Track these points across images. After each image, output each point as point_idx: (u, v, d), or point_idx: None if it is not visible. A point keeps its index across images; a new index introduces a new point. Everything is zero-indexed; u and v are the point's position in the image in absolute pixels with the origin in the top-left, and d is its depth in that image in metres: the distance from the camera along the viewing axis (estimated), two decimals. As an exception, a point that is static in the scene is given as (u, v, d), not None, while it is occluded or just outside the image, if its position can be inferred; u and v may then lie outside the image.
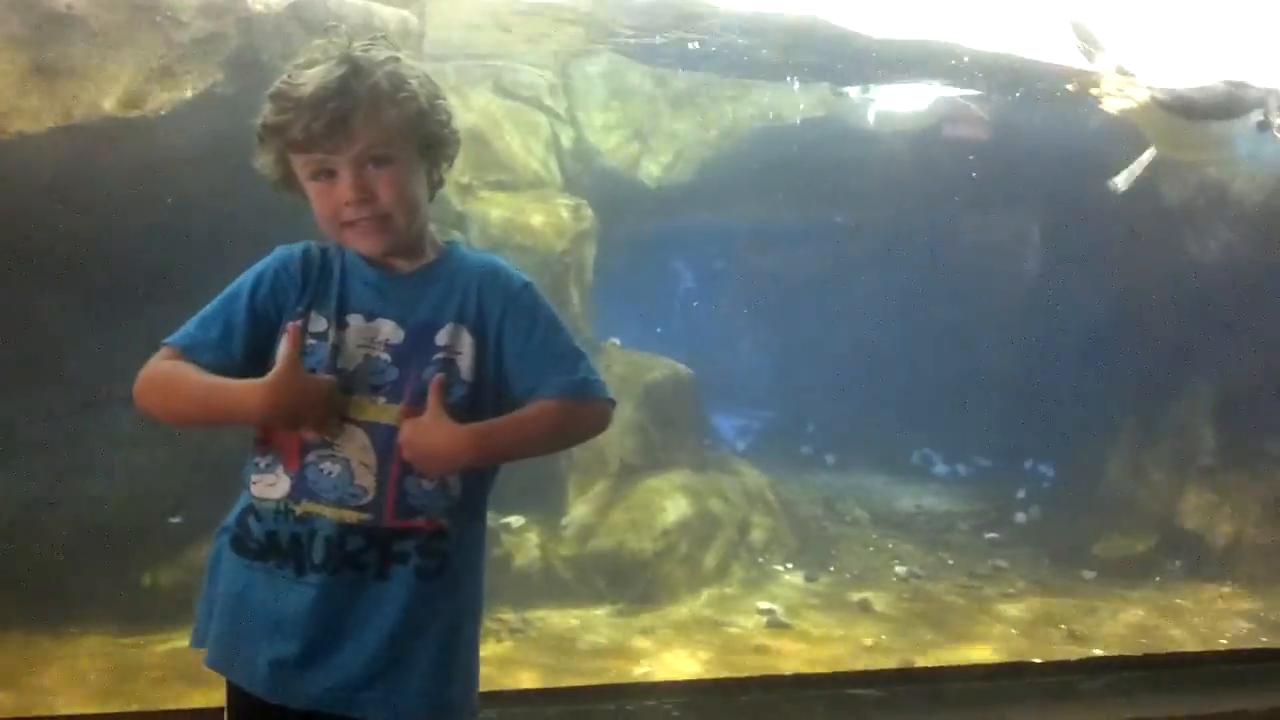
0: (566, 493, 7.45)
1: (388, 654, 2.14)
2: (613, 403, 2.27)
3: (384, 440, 2.12)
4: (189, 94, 5.66)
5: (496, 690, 4.67)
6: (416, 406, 2.12)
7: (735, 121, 9.39)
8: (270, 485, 2.15)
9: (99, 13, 5.56)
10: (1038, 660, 5.21)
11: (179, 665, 5.36)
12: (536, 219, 7.82)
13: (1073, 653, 6.34)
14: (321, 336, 2.15)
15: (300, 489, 2.13)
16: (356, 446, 2.13)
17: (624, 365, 8.13)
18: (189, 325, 2.19)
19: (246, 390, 2.08)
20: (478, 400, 2.18)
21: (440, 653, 2.20)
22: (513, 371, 2.20)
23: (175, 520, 5.99)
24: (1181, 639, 6.90)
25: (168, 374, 2.14)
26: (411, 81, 2.16)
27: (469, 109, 8.34)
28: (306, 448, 2.13)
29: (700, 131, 9.26)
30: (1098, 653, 6.30)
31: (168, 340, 2.19)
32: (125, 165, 5.69)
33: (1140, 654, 5.55)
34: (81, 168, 5.65)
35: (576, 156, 8.89)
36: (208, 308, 2.21)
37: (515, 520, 7.23)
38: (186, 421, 2.21)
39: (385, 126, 2.11)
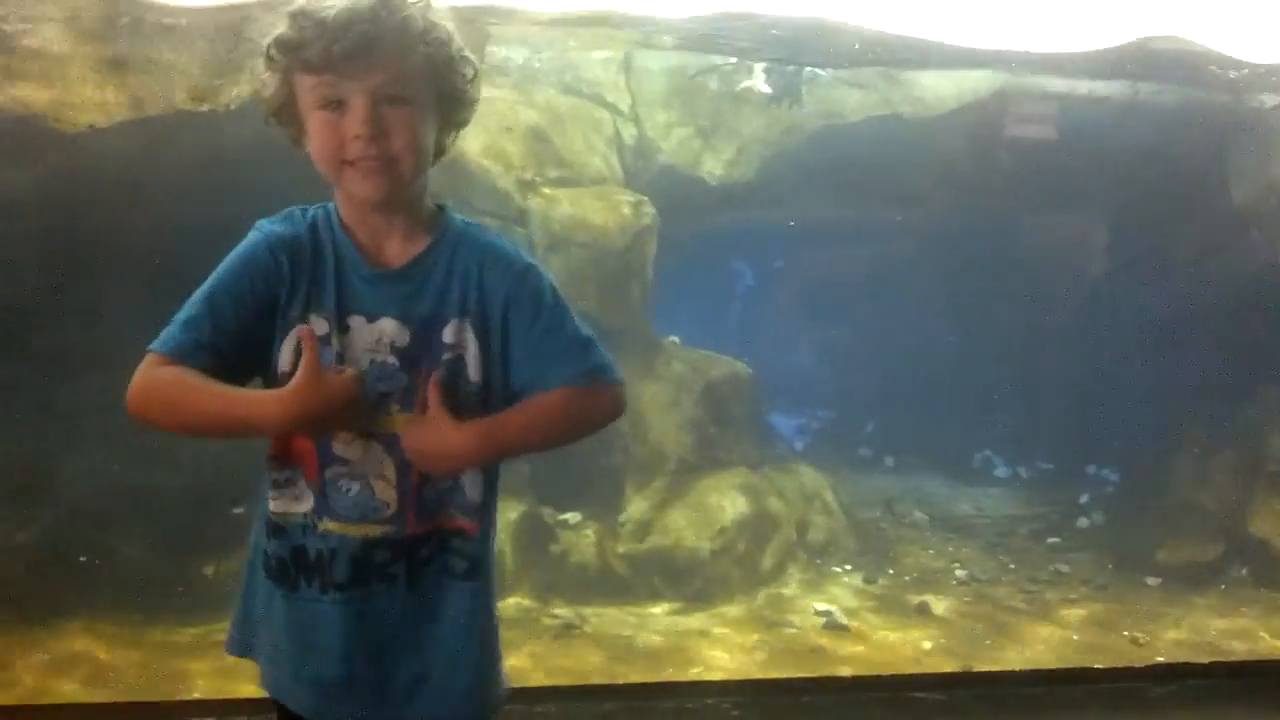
0: (624, 490, 7.45)
1: (431, 659, 2.12)
2: (622, 384, 2.17)
3: (400, 451, 2.06)
4: (258, 88, 5.72)
5: (555, 685, 4.68)
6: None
7: (798, 119, 9.33)
8: (294, 500, 2.09)
9: (169, 7, 5.64)
10: (1100, 666, 5.14)
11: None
12: (598, 215, 7.83)
13: (1136, 659, 6.24)
14: (324, 341, 2.03)
15: (322, 507, 2.07)
16: (374, 460, 2.06)
17: (684, 363, 8.11)
18: (173, 329, 2.03)
19: (267, 401, 1.96)
20: (489, 397, 2.10)
21: (480, 650, 2.18)
22: (517, 360, 2.10)
23: (238, 510, 6.06)
24: (1248, 647, 6.77)
25: (171, 383, 1.98)
26: (443, 26, 2.05)
27: (531, 105, 8.36)
28: (325, 460, 2.05)
29: (763, 129, 9.21)
30: (1161, 660, 6.19)
31: (154, 347, 2.03)
32: (194, 158, 5.76)
33: (1206, 661, 5.45)
34: (151, 161, 5.73)
35: (638, 153, 8.88)
36: (190, 308, 2.05)
37: (572, 516, 7.24)
38: (194, 433, 2.04)
39: (410, 65, 1.99)
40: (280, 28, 1.99)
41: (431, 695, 2.12)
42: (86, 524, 5.95)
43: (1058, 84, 9.45)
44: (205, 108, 5.70)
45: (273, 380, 2.06)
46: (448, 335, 2.06)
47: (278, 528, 2.11)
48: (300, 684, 2.13)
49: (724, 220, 9.81)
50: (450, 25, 2.06)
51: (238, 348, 2.03)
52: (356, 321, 2.05)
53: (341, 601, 2.08)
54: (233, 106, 5.73)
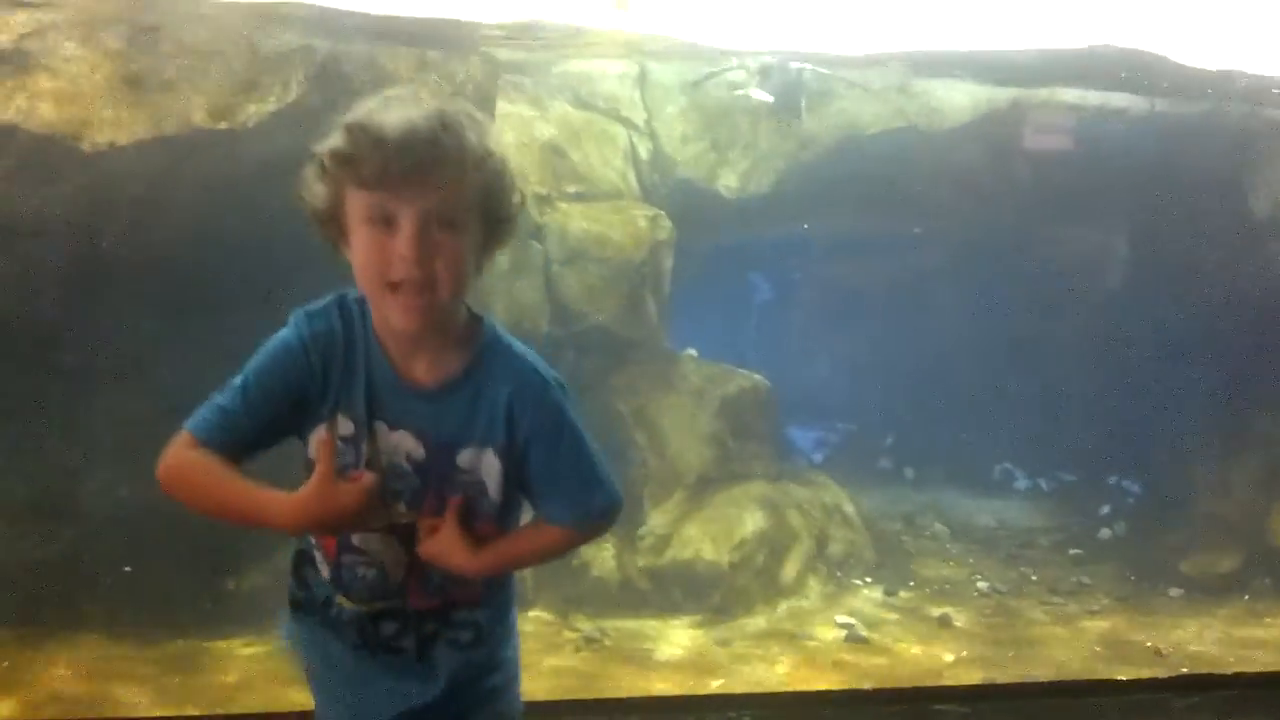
0: (643, 503, 7.45)
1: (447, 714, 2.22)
2: (620, 507, 2.22)
3: (409, 536, 2.14)
4: (275, 106, 5.75)
5: (576, 699, 4.68)
6: (436, 517, 2.13)
7: (814, 132, 9.34)
8: (323, 562, 2.22)
9: (188, 25, 5.67)
10: (1124, 677, 5.11)
11: (263, 668, 5.43)
12: (614, 230, 7.84)
13: (1159, 671, 6.20)
14: (350, 441, 2.08)
15: (337, 582, 2.19)
16: (385, 547, 2.15)
17: (701, 377, 8.11)
18: (209, 414, 2.07)
19: (279, 504, 2.00)
20: (506, 516, 2.19)
21: (496, 700, 2.30)
22: (536, 488, 2.16)
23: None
24: (1271, 658, 6.72)
25: (198, 471, 2.04)
26: (498, 155, 2.03)
27: (547, 120, 8.38)
28: (342, 545, 2.16)
29: (778, 142, 9.21)
30: (1185, 671, 6.15)
31: (189, 426, 2.07)
32: (213, 176, 5.79)
33: (1230, 673, 5.42)
34: (170, 179, 5.76)
35: (654, 167, 8.90)
36: (227, 395, 2.08)
37: (592, 530, 7.23)
38: (215, 519, 2.08)
39: (463, 189, 1.96)
40: (335, 139, 1.97)
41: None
42: (109, 539, 5.97)
43: (1071, 94, 9.43)
44: (223, 125, 5.73)
45: (304, 456, 2.14)
46: (463, 460, 2.10)
47: (305, 582, 2.26)
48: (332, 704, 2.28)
49: (741, 234, 9.81)
50: (501, 147, 2.05)
51: (268, 435, 2.11)
52: (380, 427, 2.09)
53: (359, 659, 2.21)
54: (250, 124, 5.76)
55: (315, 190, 2.02)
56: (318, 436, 2.05)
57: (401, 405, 2.07)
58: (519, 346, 2.17)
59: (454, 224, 1.96)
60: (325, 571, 2.19)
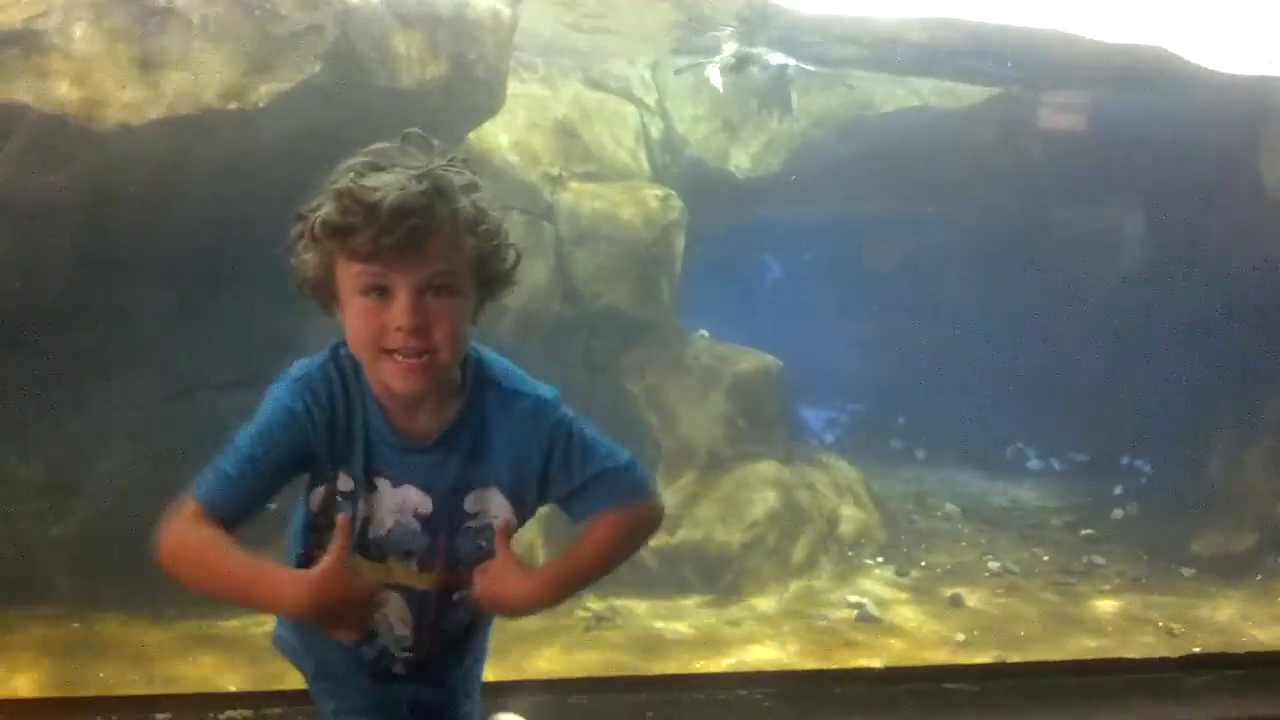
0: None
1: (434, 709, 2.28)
2: (658, 498, 2.22)
3: (418, 602, 2.12)
4: (286, 86, 5.74)
5: (585, 677, 4.69)
6: (454, 574, 2.09)
7: (825, 112, 9.32)
8: None
9: (199, 6, 5.67)
10: (1135, 656, 5.10)
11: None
12: (626, 210, 7.84)
13: (1171, 650, 6.20)
14: (348, 496, 2.04)
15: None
16: (394, 607, 2.12)
17: (712, 357, 8.11)
18: (215, 483, 2.02)
19: (286, 584, 1.94)
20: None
21: (475, 687, 2.36)
22: (567, 505, 2.12)
23: (272, 507, 6.09)
24: (1285, 638, 6.74)
25: (202, 549, 1.98)
26: (492, 215, 1.95)
27: (559, 101, 8.38)
28: None
29: (789, 122, 9.20)
30: (1197, 650, 6.15)
31: (195, 494, 2.01)
32: (224, 157, 5.79)
33: (1243, 652, 5.40)
34: (182, 159, 5.76)
35: (665, 147, 8.89)
36: (232, 462, 2.02)
37: (603, 510, 7.25)
38: (219, 599, 2.02)
39: (457, 256, 1.90)
40: (326, 208, 1.88)
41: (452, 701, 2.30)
42: (120, 519, 6.00)
43: (1084, 73, 9.38)
44: (234, 106, 5.73)
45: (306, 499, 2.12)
46: (470, 504, 2.07)
47: None
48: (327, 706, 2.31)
49: (752, 213, 9.80)
50: (497, 209, 1.98)
51: (272, 493, 2.05)
52: (382, 484, 2.05)
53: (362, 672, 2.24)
54: (261, 104, 5.75)
55: (304, 258, 1.95)
56: (337, 520, 1.95)
57: (402, 461, 2.04)
58: (499, 370, 2.11)
59: (449, 289, 1.91)
60: None
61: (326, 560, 1.89)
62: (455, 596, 2.13)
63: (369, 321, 1.90)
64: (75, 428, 6.10)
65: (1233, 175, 8.96)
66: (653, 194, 8.11)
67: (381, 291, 1.88)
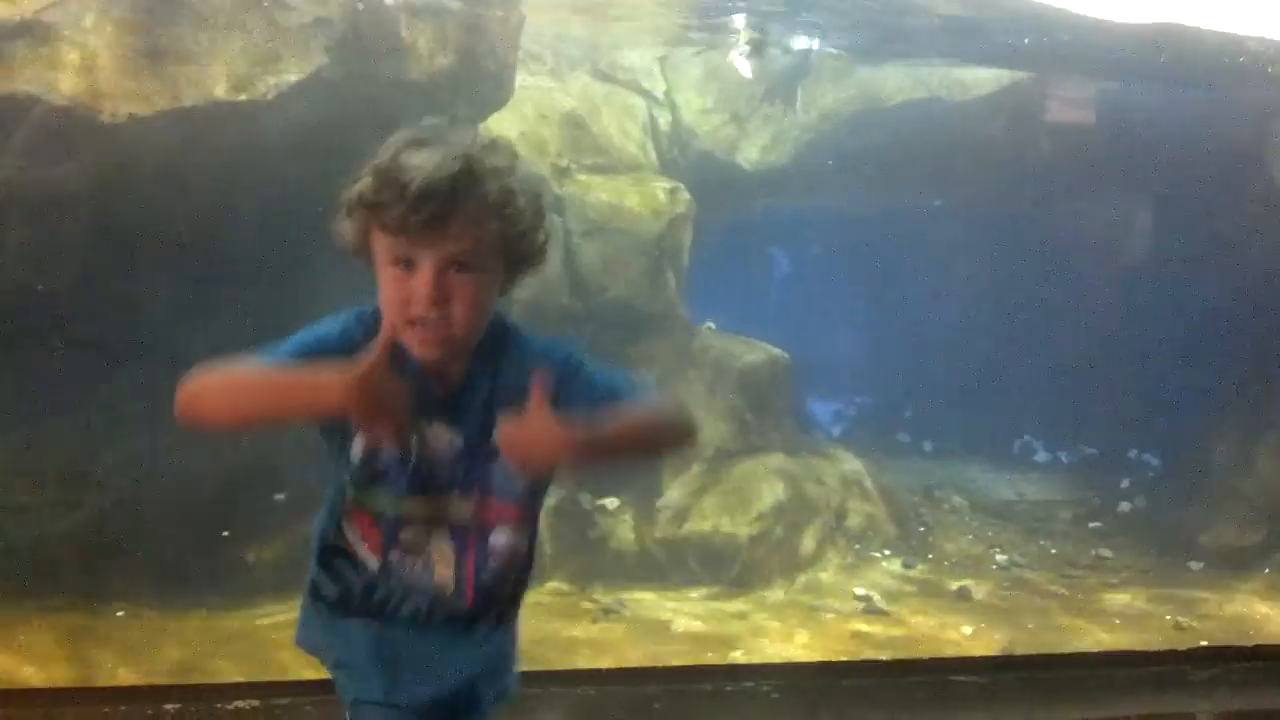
0: (661, 476, 7.45)
1: (464, 680, 2.26)
2: (690, 415, 2.26)
3: (460, 542, 2.18)
4: (295, 78, 5.74)
5: (593, 669, 4.70)
6: (487, 502, 2.17)
7: (834, 104, 9.30)
8: (368, 554, 2.21)
9: (206, -4, 5.67)
10: (1143, 650, 5.10)
11: (284, 638, 5.46)
12: (633, 202, 7.83)
13: (1179, 643, 6.20)
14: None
15: (386, 574, 2.20)
16: (438, 546, 2.18)
17: (719, 349, 8.11)
18: (246, 358, 2.10)
19: (331, 378, 1.98)
20: (538, 486, 2.23)
21: (511, 654, 2.36)
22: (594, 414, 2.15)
23: (279, 497, 6.11)
24: (1293, 632, 6.72)
25: (234, 371, 2.07)
26: (521, 199, 2.09)
27: (567, 93, 8.37)
28: (388, 540, 2.18)
29: (798, 114, 9.18)
30: (1204, 644, 6.14)
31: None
32: (233, 148, 5.79)
33: (1250, 646, 5.40)
34: (190, 151, 5.77)
35: (673, 139, 8.87)
36: (273, 353, 2.11)
37: (611, 502, 7.26)
38: (253, 415, 2.11)
39: (483, 236, 2.05)
40: (364, 183, 2.05)
41: (455, 700, 2.27)
42: (129, 511, 6.02)
43: (1096, 65, 9.36)
44: (243, 98, 5.73)
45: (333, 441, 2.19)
46: (498, 439, 2.10)
47: (357, 562, 2.23)
48: (349, 693, 2.28)
49: (760, 206, 9.79)
50: (531, 188, 2.12)
51: None
52: (420, 424, 2.14)
53: (398, 638, 2.23)
54: (270, 96, 5.76)
55: (345, 226, 2.12)
56: (383, 330, 2.02)
57: (435, 402, 2.14)
58: (522, 325, 2.25)
59: (471, 267, 2.06)
60: (377, 565, 2.20)
61: (370, 355, 1.96)
62: (496, 537, 2.19)
63: (396, 291, 2.06)
64: (85, 418, 6.12)
65: (1242, 166, 8.93)
66: (661, 186, 8.10)
67: (408, 264, 2.04)
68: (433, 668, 2.24)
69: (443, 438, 2.15)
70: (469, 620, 2.23)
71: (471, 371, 2.17)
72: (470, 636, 2.25)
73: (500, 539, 2.20)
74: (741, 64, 8.37)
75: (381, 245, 2.07)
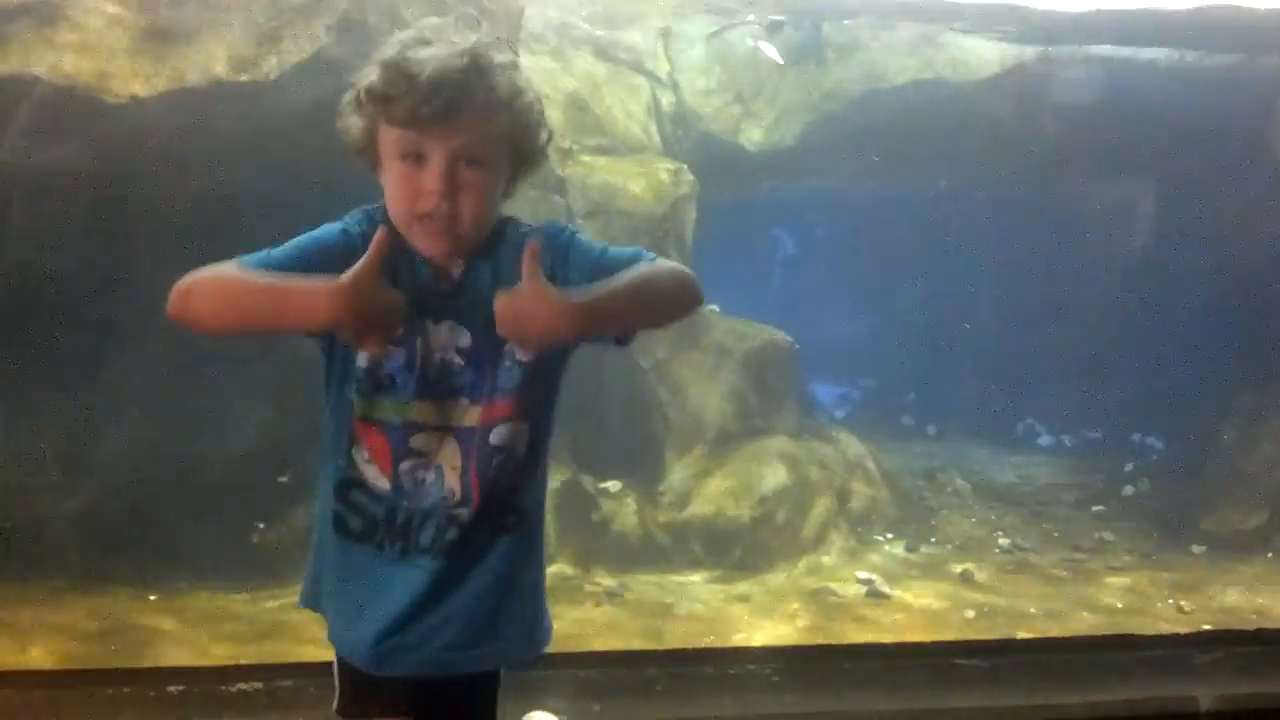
0: (664, 458, 7.46)
1: (488, 615, 2.21)
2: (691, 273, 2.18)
3: (469, 443, 2.15)
4: (297, 58, 5.73)
5: (596, 651, 4.70)
6: (493, 401, 2.13)
7: (839, 84, 9.26)
8: (378, 476, 2.17)
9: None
10: (1145, 634, 5.10)
11: (287, 620, 5.48)
12: (637, 183, 7.80)
13: (1182, 627, 6.20)
14: (405, 341, 2.11)
15: (399, 491, 2.17)
16: (447, 452, 2.15)
17: (723, 332, 8.09)
18: (252, 255, 2.09)
19: (321, 286, 1.93)
20: (538, 370, 2.16)
21: (532, 601, 2.31)
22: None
23: (283, 479, 6.11)
24: (1295, 616, 6.72)
25: (227, 274, 2.03)
26: (528, 93, 2.11)
27: (570, 73, 8.33)
28: (398, 452, 2.14)
29: (803, 95, 9.14)
30: (1207, 627, 6.15)
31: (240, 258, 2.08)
32: (235, 129, 5.78)
33: (1253, 629, 5.40)
34: (192, 131, 5.75)
35: (677, 121, 8.84)
36: (278, 248, 2.10)
37: (613, 485, 7.26)
38: (240, 324, 2.09)
39: (492, 129, 2.06)
40: (371, 76, 2.05)
41: (485, 645, 2.23)
42: (133, 492, 6.02)
43: (1101, 47, 9.32)
44: (245, 78, 5.72)
45: (334, 361, 2.17)
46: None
47: (370, 489, 2.18)
48: (365, 638, 2.21)
49: (764, 187, 9.76)
50: (535, 88, 2.14)
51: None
52: (428, 325, 2.13)
53: (422, 567, 2.17)
54: (272, 76, 5.75)
55: (351, 122, 2.12)
56: (378, 232, 1.98)
57: (440, 301, 2.13)
58: (526, 225, 2.23)
59: (481, 162, 2.06)
60: (385, 483, 2.16)
61: (359, 266, 1.93)
62: (494, 434, 2.15)
63: (404, 186, 2.07)
64: (86, 401, 6.11)
65: (1248, 147, 8.90)
66: (664, 167, 8.08)
67: (418, 158, 2.05)
68: (448, 605, 2.18)
69: (450, 336, 2.13)
70: (480, 533, 2.17)
71: (473, 266, 2.15)
72: (485, 558, 2.19)
73: (498, 435, 2.16)
74: (769, 49, 8.32)
75: (389, 140, 2.07)
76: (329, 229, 2.16)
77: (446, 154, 2.03)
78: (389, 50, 2.05)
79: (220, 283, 2.04)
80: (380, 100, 2.04)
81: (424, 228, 2.07)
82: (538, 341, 2.05)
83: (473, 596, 2.19)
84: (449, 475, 2.15)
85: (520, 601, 2.27)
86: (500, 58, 2.07)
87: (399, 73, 2.01)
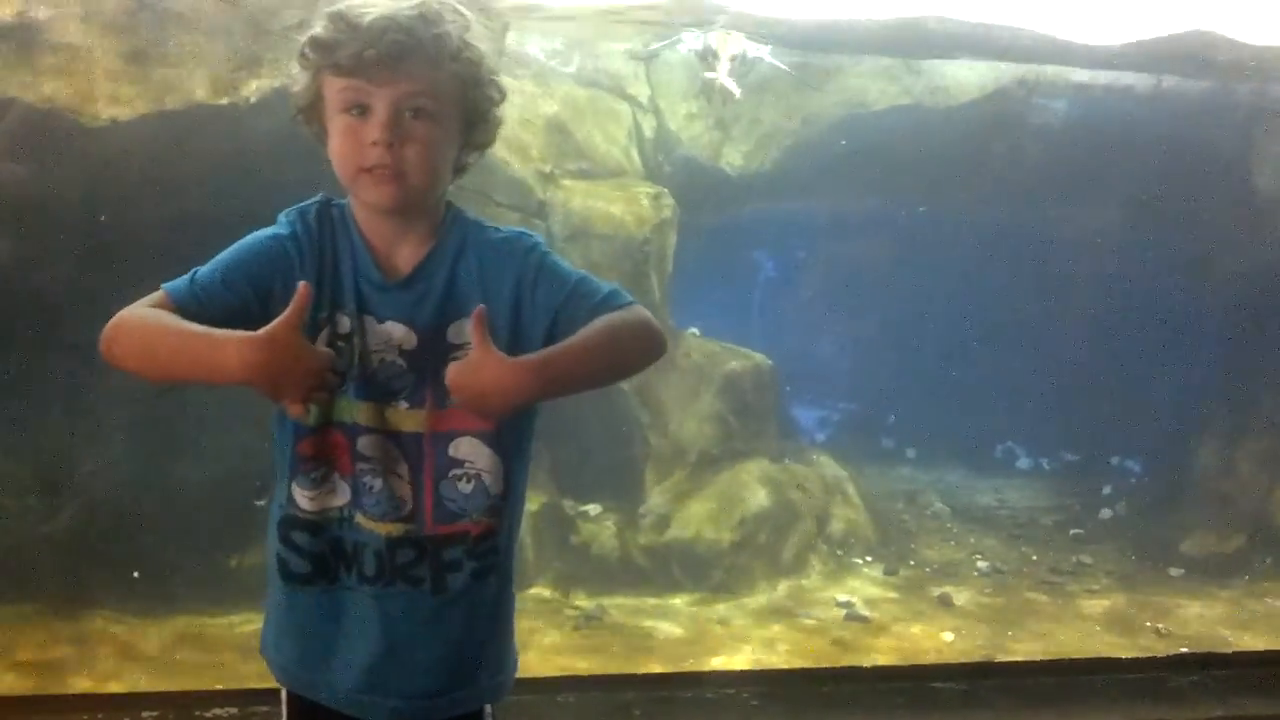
0: (644, 482, 7.46)
1: (457, 660, 2.14)
2: (657, 325, 2.13)
3: (412, 448, 2.06)
4: (278, 82, 5.74)
5: (574, 675, 4.69)
6: (440, 410, 2.03)
7: (818, 109, 9.31)
8: (330, 494, 2.08)
9: (190, 0, 5.66)
10: (1123, 656, 5.12)
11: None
12: (618, 207, 7.82)
13: (1159, 650, 6.22)
14: (347, 339, 2.03)
15: (355, 502, 2.07)
16: (390, 457, 2.05)
17: (703, 355, 8.10)
18: (185, 278, 2.04)
19: (232, 341, 1.84)
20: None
21: (500, 644, 2.22)
22: (553, 326, 2.05)
23: (260, 504, 6.08)
24: (1273, 638, 6.74)
25: (150, 318, 1.95)
26: (477, 48, 2.05)
27: (551, 98, 8.36)
28: (355, 456, 2.05)
29: (783, 119, 9.19)
30: (1185, 650, 6.17)
31: (163, 285, 2.02)
32: (215, 152, 5.78)
33: (1231, 652, 5.43)
34: (172, 154, 5.75)
35: (658, 145, 8.88)
36: (209, 266, 2.05)
37: (593, 508, 7.25)
38: (161, 374, 1.95)
39: (438, 80, 1.99)
40: (317, 27, 2.00)
41: (454, 692, 2.15)
42: (111, 516, 6.00)
43: (1080, 73, 9.40)
44: (225, 101, 5.72)
45: None
46: (452, 335, 2.06)
47: (315, 525, 2.09)
48: (332, 672, 2.15)
49: (745, 211, 9.79)
50: (484, 47, 2.08)
51: (234, 318, 1.98)
52: (369, 323, 2.06)
53: (371, 595, 2.09)
54: (252, 100, 5.75)
55: (297, 79, 2.07)
56: (299, 287, 1.89)
57: (385, 298, 2.05)
58: (489, 224, 2.17)
59: (427, 112, 1.99)
60: (346, 496, 2.06)
61: (278, 321, 1.84)
62: (449, 447, 2.06)
63: (348, 139, 2.00)
64: (66, 424, 6.09)
65: (1225, 173, 8.97)
66: (645, 192, 8.10)
67: (362, 110, 1.98)
68: (406, 645, 2.10)
69: (390, 335, 2.04)
70: (437, 560, 2.08)
71: (425, 263, 2.08)
72: (445, 602, 2.09)
73: (463, 449, 2.07)
74: (729, 81, 8.33)
75: (334, 92, 2.00)
76: (258, 236, 2.09)
77: (391, 103, 1.96)
78: (337, 3, 2.00)
79: (138, 329, 1.95)
80: (323, 48, 1.99)
81: (369, 179, 1.99)
82: (497, 412, 1.96)
83: (453, 634, 2.12)
84: (396, 484, 2.06)
85: (498, 635, 2.21)
86: (450, 12, 2.02)
87: (342, 19, 1.97)
